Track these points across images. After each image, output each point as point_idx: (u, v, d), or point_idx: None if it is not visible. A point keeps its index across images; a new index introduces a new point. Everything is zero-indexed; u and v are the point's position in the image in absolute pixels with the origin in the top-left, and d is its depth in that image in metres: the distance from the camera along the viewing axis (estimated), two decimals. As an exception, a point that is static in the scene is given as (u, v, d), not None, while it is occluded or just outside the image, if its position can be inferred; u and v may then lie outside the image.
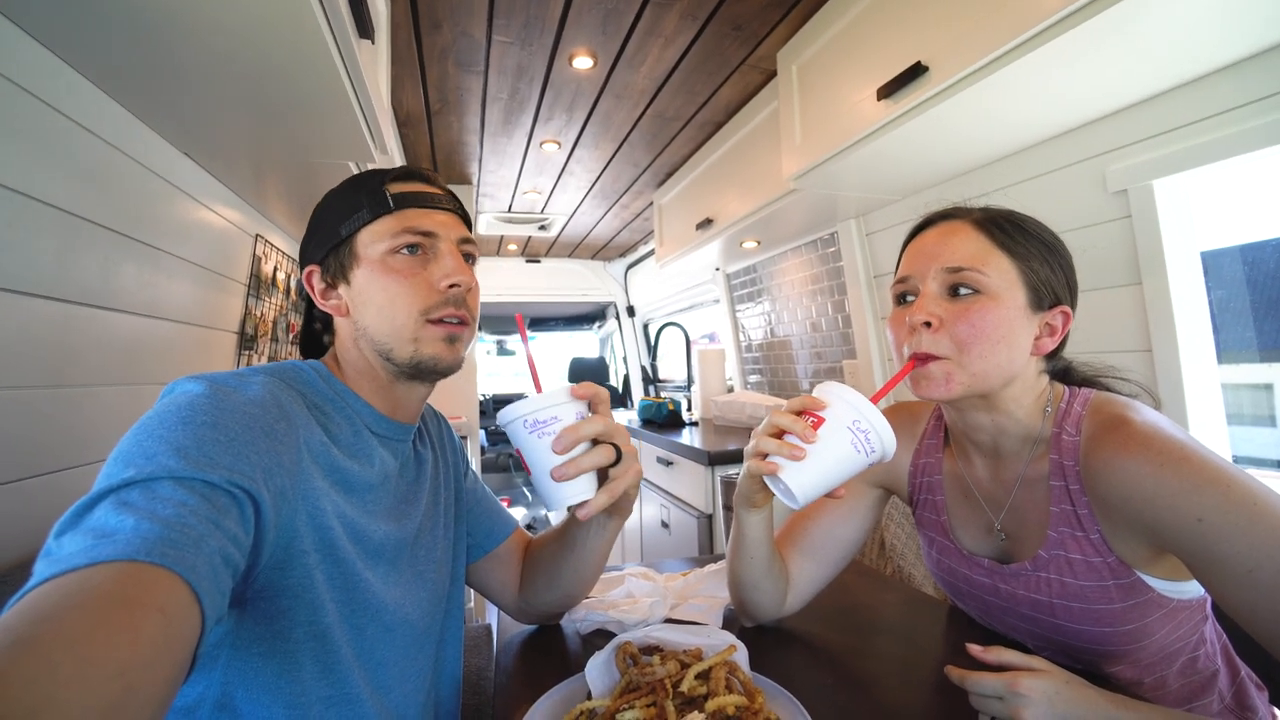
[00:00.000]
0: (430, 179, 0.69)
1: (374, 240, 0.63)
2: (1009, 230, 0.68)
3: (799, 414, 0.63)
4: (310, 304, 0.69)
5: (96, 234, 1.00)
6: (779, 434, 0.64)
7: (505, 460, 5.56)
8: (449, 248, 0.66)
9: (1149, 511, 0.57)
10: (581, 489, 0.62)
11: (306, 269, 0.66)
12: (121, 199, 1.06)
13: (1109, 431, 0.62)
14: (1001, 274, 0.66)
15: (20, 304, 0.84)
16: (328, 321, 0.69)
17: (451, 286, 0.64)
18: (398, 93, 1.82)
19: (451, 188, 1.19)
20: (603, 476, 0.65)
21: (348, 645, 0.57)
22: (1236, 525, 0.52)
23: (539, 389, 0.64)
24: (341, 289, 0.65)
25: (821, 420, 0.61)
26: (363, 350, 0.65)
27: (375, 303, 0.63)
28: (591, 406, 0.63)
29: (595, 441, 0.62)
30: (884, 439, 0.61)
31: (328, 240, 0.64)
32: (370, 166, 1.43)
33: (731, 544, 0.79)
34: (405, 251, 0.63)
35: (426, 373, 0.65)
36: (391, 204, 0.64)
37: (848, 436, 0.60)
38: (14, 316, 0.83)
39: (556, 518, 0.77)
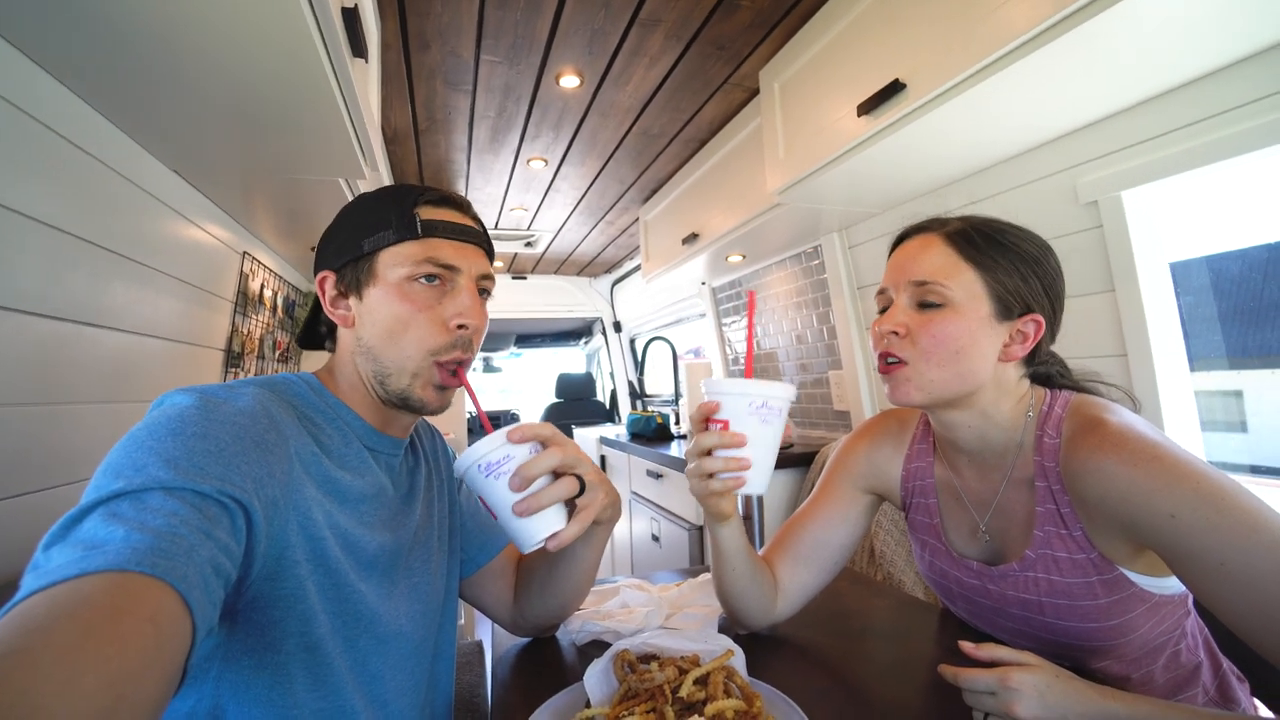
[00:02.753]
0: (464, 208, 0.69)
1: (395, 263, 0.63)
2: (979, 243, 0.70)
3: (706, 423, 0.67)
4: (319, 305, 0.70)
5: (84, 250, 0.99)
6: (709, 452, 0.67)
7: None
8: (468, 284, 0.65)
9: (1124, 509, 0.59)
10: (550, 523, 0.59)
11: (321, 273, 0.66)
12: (110, 215, 1.06)
13: (1086, 433, 0.65)
14: (964, 286, 0.69)
15: (6, 320, 0.83)
16: (332, 329, 0.69)
17: (460, 327, 0.64)
18: (386, 110, 1.83)
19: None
20: (574, 507, 0.63)
21: (340, 657, 0.56)
22: (1207, 520, 0.54)
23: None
24: (352, 301, 0.65)
25: (726, 421, 0.65)
26: (359, 365, 0.65)
27: (384, 326, 0.63)
28: (545, 444, 0.61)
29: (557, 476, 0.61)
30: (780, 396, 0.65)
31: (347, 251, 0.64)
32: (360, 184, 1.44)
33: (714, 559, 0.80)
34: (423, 280, 0.63)
35: (412, 410, 0.66)
36: (419, 230, 0.63)
37: (754, 418, 0.65)
38: (2, 333, 0.83)
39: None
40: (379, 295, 0.63)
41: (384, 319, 0.63)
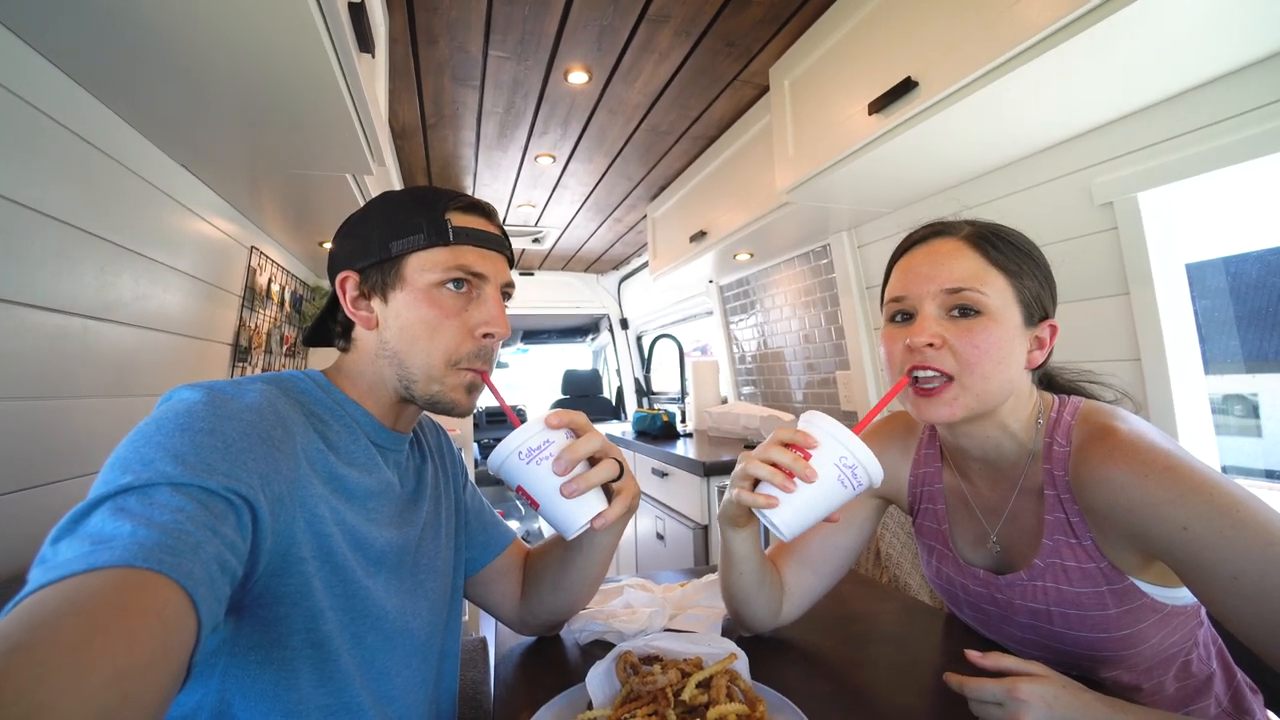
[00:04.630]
0: (490, 215, 0.69)
1: (424, 269, 0.63)
2: (1001, 247, 0.68)
3: (787, 446, 0.64)
4: (335, 303, 0.69)
5: (93, 245, 1.00)
6: (770, 464, 0.64)
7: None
8: (493, 292, 0.66)
9: (1135, 520, 0.58)
10: (593, 505, 0.62)
11: (342, 274, 0.65)
12: (118, 210, 1.06)
13: (1096, 441, 0.63)
14: (999, 293, 0.66)
15: (16, 315, 0.84)
16: (347, 329, 0.68)
17: (486, 336, 0.65)
18: (394, 105, 1.83)
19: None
20: (606, 492, 0.66)
21: (347, 654, 0.56)
22: (1221, 533, 0.52)
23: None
24: (375, 303, 0.65)
25: (809, 456, 0.62)
26: (380, 367, 0.65)
27: (411, 332, 0.63)
28: (576, 431, 0.64)
29: (591, 462, 0.64)
30: (871, 472, 0.62)
31: (374, 252, 0.63)
32: (368, 180, 1.44)
33: (721, 560, 0.79)
34: (451, 286, 0.63)
35: (442, 412, 0.66)
36: (451, 236, 0.63)
37: (835, 473, 0.62)
38: (10, 327, 0.83)
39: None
40: (406, 299, 0.63)
41: (411, 323, 0.63)
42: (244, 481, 0.46)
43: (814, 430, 0.63)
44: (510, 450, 0.61)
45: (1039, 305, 0.68)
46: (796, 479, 0.62)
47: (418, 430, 0.78)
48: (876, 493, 0.87)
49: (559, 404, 4.85)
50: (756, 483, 0.66)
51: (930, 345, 0.66)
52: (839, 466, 0.61)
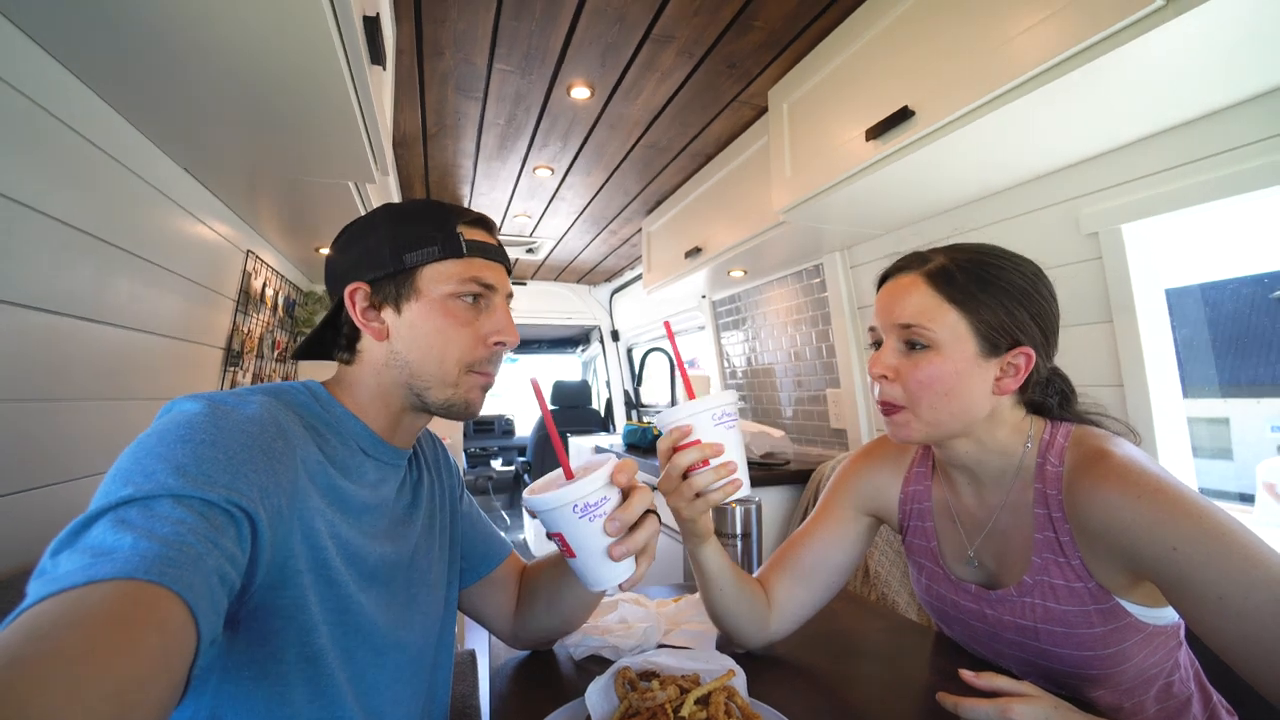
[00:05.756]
0: (494, 229, 0.72)
1: (438, 280, 0.65)
2: (960, 282, 0.70)
3: (678, 449, 0.68)
4: (336, 313, 0.69)
5: (90, 245, 0.99)
6: (685, 474, 0.68)
7: (484, 482, 5.48)
8: (502, 302, 0.69)
9: (1126, 540, 0.60)
10: (628, 564, 0.61)
11: (352, 285, 0.65)
12: (117, 211, 1.06)
13: (1091, 464, 0.66)
14: (948, 328, 0.69)
15: (11, 314, 0.83)
16: (351, 340, 0.68)
17: (497, 344, 0.67)
18: (396, 114, 1.84)
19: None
20: None
21: (340, 669, 0.56)
22: (1208, 554, 0.55)
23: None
24: (387, 314, 0.65)
25: (698, 440, 0.68)
26: (387, 377, 0.65)
27: (426, 340, 0.64)
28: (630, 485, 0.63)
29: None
30: (732, 403, 0.69)
31: (385, 264, 0.64)
32: (369, 188, 1.44)
33: (699, 584, 0.80)
34: (466, 298, 0.66)
35: (455, 416, 0.68)
36: (465, 249, 0.65)
37: (721, 428, 0.68)
38: (4, 327, 0.82)
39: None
40: (420, 310, 0.64)
41: (426, 333, 0.64)
42: (244, 494, 0.46)
43: (680, 421, 0.69)
44: (566, 502, 0.57)
45: (1005, 335, 0.69)
46: (713, 459, 0.67)
47: (416, 443, 0.78)
48: (868, 510, 0.88)
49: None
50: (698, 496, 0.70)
51: (885, 377, 0.73)
52: (719, 422, 0.68)
